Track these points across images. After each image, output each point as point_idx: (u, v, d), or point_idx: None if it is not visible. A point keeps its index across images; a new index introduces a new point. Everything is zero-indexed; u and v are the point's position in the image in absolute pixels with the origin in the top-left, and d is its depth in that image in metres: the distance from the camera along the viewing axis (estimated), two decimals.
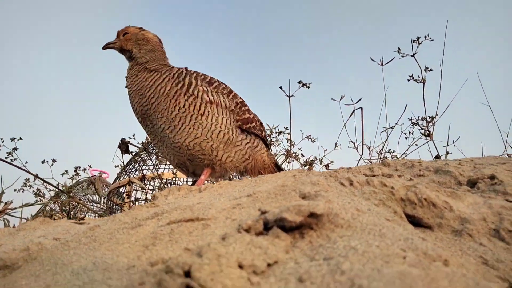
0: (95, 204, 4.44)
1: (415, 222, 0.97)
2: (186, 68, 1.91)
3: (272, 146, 2.81)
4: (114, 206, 4.01)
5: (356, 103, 2.77)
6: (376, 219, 0.79)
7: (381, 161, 1.73)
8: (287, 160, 2.77)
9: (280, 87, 2.66)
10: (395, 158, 2.87)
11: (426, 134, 2.50)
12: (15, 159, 3.01)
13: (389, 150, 2.81)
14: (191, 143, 1.73)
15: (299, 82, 2.63)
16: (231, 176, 2.12)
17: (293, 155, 2.74)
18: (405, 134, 2.97)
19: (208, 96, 1.76)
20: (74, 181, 3.14)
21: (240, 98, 1.95)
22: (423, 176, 1.39)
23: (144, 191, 3.38)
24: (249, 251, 0.60)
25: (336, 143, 2.77)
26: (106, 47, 2.02)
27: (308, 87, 2.62)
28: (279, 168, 2.04)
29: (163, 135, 1.78)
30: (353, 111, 3.29)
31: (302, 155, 2.79)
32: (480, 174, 1.29)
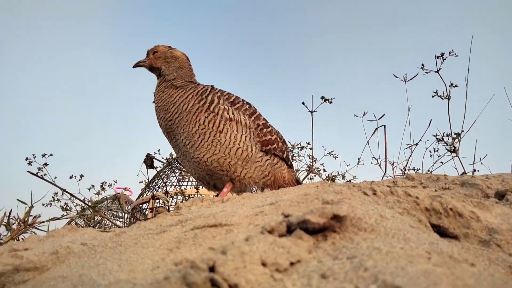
0: (119, 219, 4.50)
1: (441, 232, 0.95)
2: (212, 86, 1.96)
3: (294, 162, 2.83)
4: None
5: (379, 119, 2.76)
6: (400, 225, 0.78)
7: (405, 176, 1.71)
8: (309, 176, 2.76)
9: (303, 103, 2.69)
10: (419, 172, 2.81)
11: (452, 150, 2.45)
12: (45, 174, 3.12)
13: (413, 168, 2.76)
14: (209, 159, 1.77)
15: (322, 97, 2.64)
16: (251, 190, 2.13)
17: (315, 170, 2.73)
18: (430, 151, 2.93)
19: (228, 114, 1.80)
20: (100, 196, 3.21)
21: (264, 120, 1.98)
22: (448, 189, 1.37)
23: (167, 206, 3.42)
24: (272, 250, 0.61)
25: (359, 158, 2.75)
26: (136, 65, 2.10)
27: (331, 102, 2.63)
28: (300, 184, 2.04)
29: (184, 149, 1.83)
30: (376, 128, 3.27)
31: (324, 170, 2.79)
32: (509, 186, 1.25)
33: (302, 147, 2.82)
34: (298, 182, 2.04)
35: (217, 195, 1.98)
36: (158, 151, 3.07)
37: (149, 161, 2.45)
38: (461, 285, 0.48)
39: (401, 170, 2.72)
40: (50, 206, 3.06)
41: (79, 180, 2.98)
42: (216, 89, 1.95)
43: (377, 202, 0.99)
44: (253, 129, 1.85)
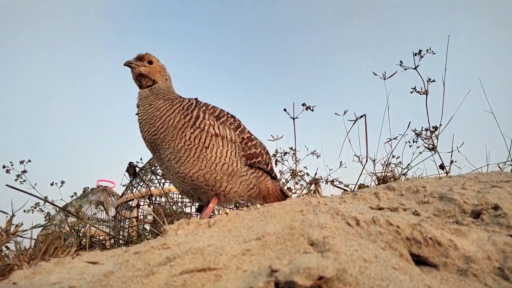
0: (104, 223, 4.46)
1: (421, 261, 1.00)
2: (196, 99, 1.94)
3: (278, 164, 2.86)
4: (123, 221, 4.04)
5: (359, 118, 2.79)
6: (383, 270, 0.81)
7: (386, 186, 1.75)
8: (294, 180, 2.79)
9: (284, 109, 2.70)
10: (399, 167, 2.88)
11: (430, 147, 2.52)
12: (24, 180, 3.06)
13: (393, 162, 2.82)
14: (195, 174, 1.77)
15: (303, 104, 2.65)
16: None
17: (299, 173, 2.76)
18: (409, 142, 2.99)
19: (214, 130, 1.79)
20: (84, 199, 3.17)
21: (248, 133, 1.97)
22: (428, 203, 1.41)
23: (151, 206, 3.41)
24: None
25: (340, 162, 2.79)
26: (128, 65, 2.02)
27: (312, 110, 2.65)
28: (284, 194, 2.06)
29: (169, 164, 1.81)
30: (357, 118, 3.32)
31: (308, 174, 2.82)
32: (484, 202, 1.31)
33: (286, 153, 2.85)
34: (282, 192, 2.06)
35: (199, 207, 2.00)
36: (141, 159, 3.03)
37: (131, 170, 2.42)
38: None
39: (382, 165, 2.78)
40: (33, 212, 3.02)
41: (61, 186, 2.93)
42: (201, 102, 1.93)
43: (361, 235, 1.02)
44: (238, 143, 1.85)
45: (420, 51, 2.59)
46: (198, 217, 1.86)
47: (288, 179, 2.77)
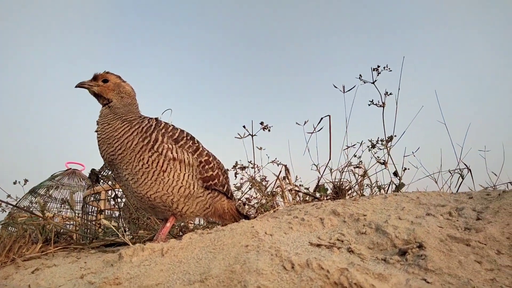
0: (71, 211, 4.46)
1: None
2: (156, 120, 1.97)
3: (237, 175, 2.96)
4: (91, 213, 4.05)
5: (318, 131, 2.91)
6: None
7: (332, 211, 1.88)
8: (253, 188, 2.91)
9: (244, 126, 2.78)
10: (356, 174, 3.03)
11: (382, 162, 2.68)
12: None
13: (350, 169, 2.98)
14: (152, 195, 1.83)
15: (261, 123, 2.75)
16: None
17: (256, 184, 2.88)
18: (368, 147, 3.15)
19: (172, 154, 1.84)
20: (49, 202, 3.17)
21: (206, 155, 2.02)
22: (365, 234, 1.54)
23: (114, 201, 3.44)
24: None
25: (296, 176, 2.93)
26: (80, 86, 2.03)
27: (269, 130, 2.75)
28: (239, 213, 2.16)
29: (127, 183, 1.86)
30: (322, 118, 3.45)
31: (266, 187, 2.93)
32: (413, 237, 1.45)
33: (244, 167, 2.94)
34: (237, 211, 2.16)
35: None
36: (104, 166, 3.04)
37: (94, 177, 2.46)
38: None
39: (340, 172, 2.93)
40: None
41: (24, 185, 2.93)
42: (161, 124, 1.96)
43: (294, 282, 1.14)
44: (196, 166, 1.91)
45: (378, 66, 2.71)
46: (155, 237, 1.94)
47: (248, 189, 2.88)
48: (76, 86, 2.02)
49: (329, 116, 3.59)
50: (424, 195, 2.14)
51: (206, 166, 1.95)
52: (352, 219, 1.70)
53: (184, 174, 1.85)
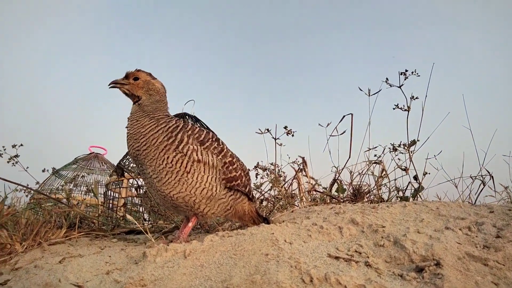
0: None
1: None
2: (184, 121, 2.00)
3: (258, 176, 3.00)
4: (112, 199, 4.17)
5: (340, 134, 2.91)
6: None
7: (351, 218, 1.90)
8: (272, 190, 2.94)
9: (268, 130, 2.80)
10: (375, 176, 3.03)
11: (403, 168, 2.67)
12: (17, 162, 3.17)
13: (370, 171, 2.98)
14: (175, 195, 1.88)
15: (285, 127, 2.77)
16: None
17: (276, 183, 2.91)
18: (389, 149, 3.14)
19: (197, 155, 1.88)
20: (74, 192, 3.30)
21: (231, 156, 2.05)
22: (383, 247, 1.56)
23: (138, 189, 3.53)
24: None
25: (313, 172, 2.96)
26: (113, 86, 2.08)
27: (293, 135, 2.77)
28: (259, 215, 2.20)
29: (150, 180, 1.92)
30: (344, 116, 3.46)
31: (285, 189, 2.97)
32: (431, 254, 1.46)
33: (266, 169, 2.97)
34: (258, 213, 2.20)
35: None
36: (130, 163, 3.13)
37: (119, 171, 2.54)
38: None
39: (359, 174, 2.94)
40: (27, 196, 3.15)
41: (53, 173, 3.05)
42: (188, 125, 2.00)
43: None
44: (220, 167, 1.95)
45: (406, 70, 2.67)
46: (177, 234, 2.00)
47: (269, 188, 2.92)
48: (109, 86, 2.07)
49: (352, 114, 3.60)
50: (444, 205, 2.13)
51: (230, 167, 1.99)
52: (370, 230, 1.72)
53: (208, 176, 1.89)
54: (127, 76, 2.06)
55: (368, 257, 1.47)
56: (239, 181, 2.02)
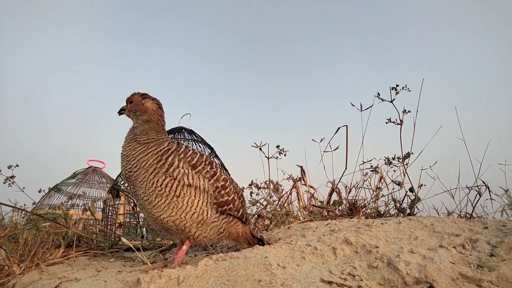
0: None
1: None
2: (177, 144, 2.00)
3: (252, 194, 3.01)
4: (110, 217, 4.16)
5: (334, 150, 2.92)
6: None
7: (345, 238, 1.91)
8: (267, 207, 2.95)
9: (260, 149, 2.81)
10: (371, 189, 3.04)
11: (397, 183, 2.68)
12: (13, 182, 3.17)
13: (366, 184, 2.99)
14: (166, 219, 1.87)
15: (277, 146, 2.79)
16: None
17: (278, 192, 2.92)
18: (384, 161, 3.16)
19: (187, 179, 1.88)
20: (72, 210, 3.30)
21: (223, 180, 2.03)
22: (376, 268, 1.56)
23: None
24: None
25: (310, 202, 2.97)
26: (120, 113, 2.16)
27: (285, 154, 2.79)
28: (253, 236, 2.19)
29: (142, 202, 1.92)
30: (338, 128, 3.48)
31: (280, 207, 2.97)
32: (424, 276, 1.46)
33: (260, 187, 2.99)
34: (252, 235, 2.19)
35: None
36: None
37: (115, 191, 2.54)
38: None
39: (355, 188, 2.94)
40: (23, 218, 3.15)
41: (48, 193, 3.05)
42: (181, 148, 1.99)
43: None
44: (211, 192, 1.94)
45: (397, 85, 2.70)
46: (171, 257, 2.00)
47: (264, 206, 2.93)
48: (118, 114, 2.17)
49: (346, 126, 3.61)
50: (438, 221, 2.14)
51: (222, 191, 1.98)
52: (364, 250, 1.73)
53: (199, 200, 1.88)
54: (126, 101, 2.10)
55: (361, 279, 1.47)
56: (231, 205, 2.02)
